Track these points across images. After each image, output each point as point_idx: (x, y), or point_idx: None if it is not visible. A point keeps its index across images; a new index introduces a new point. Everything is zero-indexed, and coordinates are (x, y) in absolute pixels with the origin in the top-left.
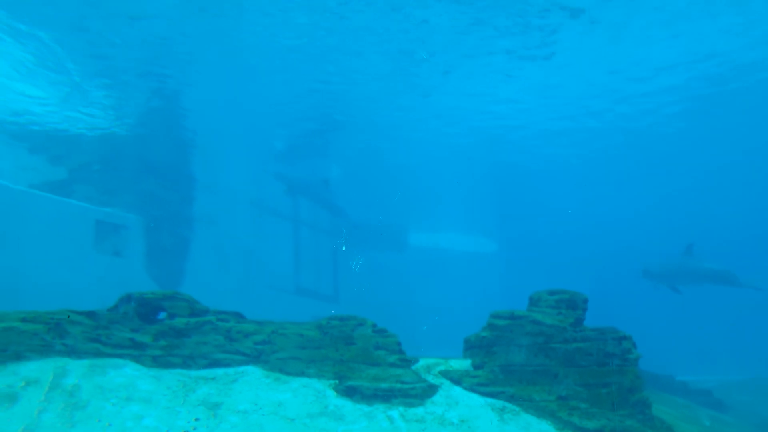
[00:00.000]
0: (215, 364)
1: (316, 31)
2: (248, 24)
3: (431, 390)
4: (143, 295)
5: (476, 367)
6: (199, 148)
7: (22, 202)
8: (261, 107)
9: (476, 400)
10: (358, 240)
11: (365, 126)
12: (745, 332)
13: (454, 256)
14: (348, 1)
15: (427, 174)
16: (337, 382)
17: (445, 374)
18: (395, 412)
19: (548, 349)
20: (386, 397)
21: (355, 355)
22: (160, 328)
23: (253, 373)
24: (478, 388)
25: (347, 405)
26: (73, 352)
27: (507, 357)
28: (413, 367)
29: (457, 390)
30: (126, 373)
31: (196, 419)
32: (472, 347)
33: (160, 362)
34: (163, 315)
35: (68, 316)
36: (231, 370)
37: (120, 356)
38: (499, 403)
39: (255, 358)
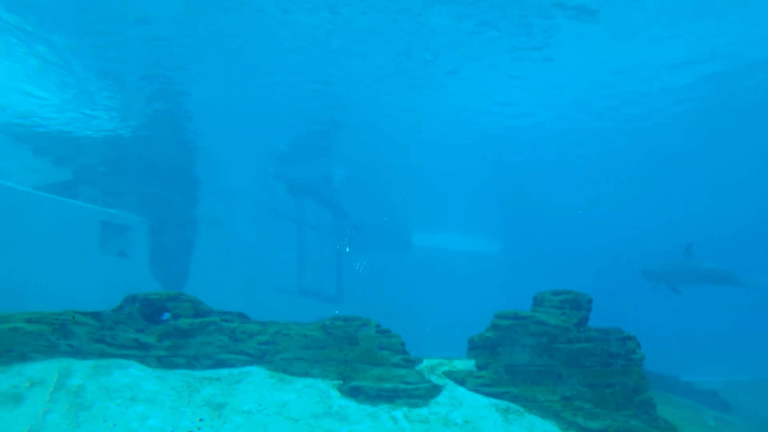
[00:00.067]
0: (219, 364)
1: (319, 32)
2: (251, 26)
3: (435, 390)
4: (148, 295)
5: (480, 367)
6: (202, 150)
7: (28, 203)
8: (264, 109)
9: (480, 400)
10: (361, 241)
11: (368, 127)
12: (749, 332)
13: (458, 256)
14: (351, 3)
15: (430, 175)
16: (341, 382)
17: (449, 375)
18: (399, 412)
19: (552, 349)
20: (390, 397)
21: (359, 355)
22: (164, 329)
23: (257, 373)
24: (482, 388)
25: (351, 405)
26: (78, 353)
27: (511, 357)
28: (417, 368)
29: (461, 390)
30: (131, 373)
31: (201, 419)
32: (476, 347)
33: (164, 363)
34: (167, 316)
35: (73, 317)
36: (235, 371)
37: (125, 357)
38: (503, 403)
39: (259, 358)
